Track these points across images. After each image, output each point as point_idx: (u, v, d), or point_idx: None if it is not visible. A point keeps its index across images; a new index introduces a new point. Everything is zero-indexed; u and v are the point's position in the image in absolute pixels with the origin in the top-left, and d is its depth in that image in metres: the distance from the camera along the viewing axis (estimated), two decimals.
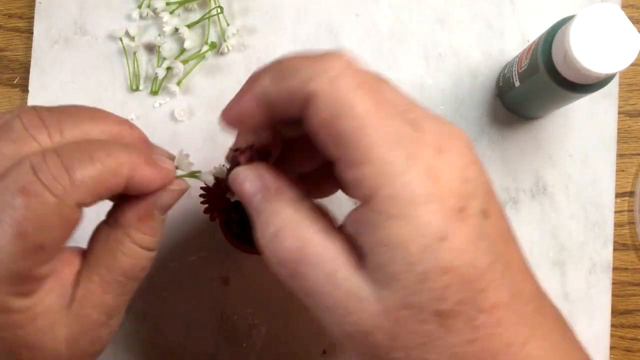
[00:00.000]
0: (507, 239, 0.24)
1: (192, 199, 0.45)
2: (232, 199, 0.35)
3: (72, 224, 0.24)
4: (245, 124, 0.26)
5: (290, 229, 0.24)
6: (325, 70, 0.22)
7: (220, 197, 0.35)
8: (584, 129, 0.45)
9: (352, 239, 0.23)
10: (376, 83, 0.23)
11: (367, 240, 0.22)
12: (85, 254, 0.27)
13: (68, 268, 0.26)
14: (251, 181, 0.26)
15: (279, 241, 0.24)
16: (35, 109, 0.25)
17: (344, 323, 0.23)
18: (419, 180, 0.21)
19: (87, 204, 0.24)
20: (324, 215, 0.25)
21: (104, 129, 0.26)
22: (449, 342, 0.22)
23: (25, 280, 0.23)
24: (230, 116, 0.26)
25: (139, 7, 0.45)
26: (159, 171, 0.27)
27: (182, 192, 0.29)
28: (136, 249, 0.27)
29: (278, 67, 0.24)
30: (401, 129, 0.22)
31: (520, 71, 0.39)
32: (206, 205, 0.36)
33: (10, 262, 0.22)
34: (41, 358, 0.25)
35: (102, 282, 0.26)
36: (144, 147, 0.28)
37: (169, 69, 0.44)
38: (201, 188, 0.36)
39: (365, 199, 0.22)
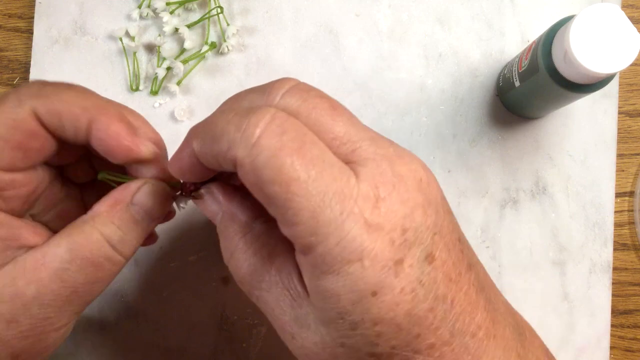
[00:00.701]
0: (456, 275, 0.23)
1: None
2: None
3: (27, 133, 0.25)
4: (190, 175, 0.26)
5: (242, 255, 0.25)
6: (245, 136, 0.22)
7: None
8: (584, 129, 0.46)
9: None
10: (303, 134, 0.22)
11: (307, 282, 0.23)
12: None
13: (29, 235, 0.26)
14: (210, 204, 0.26)
15: (234, 264, 0.25)
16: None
17: (292, 344, 0.24)
18: (352, 236, 0.21)
19: (44, 121, 0.25)
20: (277, 238, 0.25)
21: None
22: None
23: None
24: (175, 170, 0.26)
25: (139, 7, 0.45)
26: (126, 130, 0.26)
27: (167, 195, 0.28)
28: (99, 238, 0.26)
29: (205, 130, 0.24)
30: (332, 184, 0.21)
31: (520, 71, 0.40)
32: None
33: None
34: None
35: (50, 262, 0.25)
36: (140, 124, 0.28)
37: (169, 69, 0.44)
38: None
39: (302, 251, 0.22)
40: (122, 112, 0.27)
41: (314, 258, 0.22)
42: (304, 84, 0.24)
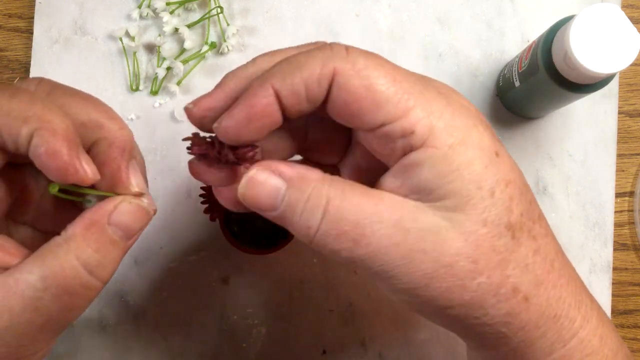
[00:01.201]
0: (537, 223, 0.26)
1: (192, 199, 0.45)
2: None
3: None
4: (255, 126, 0.23)
5: (339, 199, 0.23)
6: (337, 49, 0.23)
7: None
8: (584, 129, 0.45)
9: (404, 184, 0.24)
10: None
11: (429, 176, 0.23)
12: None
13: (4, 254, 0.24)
14: (270, 179, 0.24)
15: (333, 215, 0.23)
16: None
17: (423, 264, 0.23)
18: (462, 109, 0.24)
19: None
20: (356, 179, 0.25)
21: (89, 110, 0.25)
22: (521, 254, 0.24)
23: None
24: (240, 119, 0.23)
25: (139, 7, 0.45)
26: (67, 149, 0.23)
27: (145, 213, 0.26)
28: (74, 264, 0.23)
29: (285, 66, 0.23)
30: (428, 88, 0.24)
31: (520, 71, 0.39)
32: (206, 206, 0.36)
33: None
34: None
35: (22, 290, 0.23)
36: (125, 148, 0.26)
37: (169, 69, 0.44)
38: (201, 188, 0.36)
39: (417, 143, 0.23)
40: (69, 125, 0.24)
41: (436, 138, 0.23)
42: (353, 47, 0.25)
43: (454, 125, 0.23)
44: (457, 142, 0.23)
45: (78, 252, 0.24)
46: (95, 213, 0.24)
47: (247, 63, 0.25)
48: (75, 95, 0.26)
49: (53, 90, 0.26)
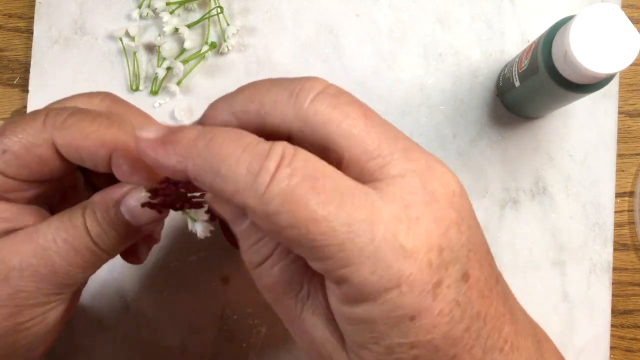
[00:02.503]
0: (488, 290, 0.23)
1: None
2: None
3: (38, 159, 0.26)
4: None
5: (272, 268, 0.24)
6: (256, 184, 0.20)
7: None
8: (584, 129, 0.45)
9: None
10: (314, 169, 0.21)
11: (336, 309, 0.22)
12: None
13: (29, 217, 0.27)
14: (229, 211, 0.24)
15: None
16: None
17: None
18: (387, 263, 0.20)
19: (62, 152, 0.26)
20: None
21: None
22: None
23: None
24: (156, 163, 0.23)
25: (139, 7, 0.45)
26: (144, 165, 0.25)
27: (154, 212, 0.27)
28: (81, 226, 0.26)
29: (206, 154, 0.22)
30: (355, 214, 0.20)
31: (520, 71, 0.39)
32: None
33: None
34: None
35: (36, 238, 0.26)
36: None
37: (169, 69, 0.44)
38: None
39: (335, 282, 0.21)
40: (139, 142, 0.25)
41: (349, 288, 0.21)
42: (334, 87, 0.23)
43: (369, 282, 0.20)
44: (368, 299, 0.21)
45: (87, 217, 0.26)
46: (113, 190, 0.27)
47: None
48: (131, 108, 0.29)
49: (113, 104, 0.29)
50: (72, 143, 0.26)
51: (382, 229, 0.20)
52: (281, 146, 0.21)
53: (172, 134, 0.22)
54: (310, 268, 0.22)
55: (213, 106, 0.25)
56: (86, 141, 0.26)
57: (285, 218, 0.20)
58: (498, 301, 0.23)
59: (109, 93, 0.29)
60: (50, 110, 0.27)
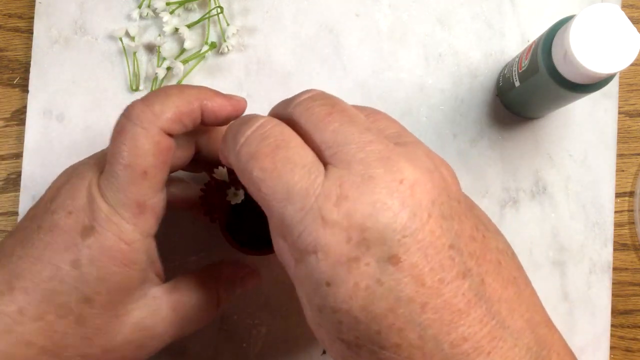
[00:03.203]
0: (434, 281, 0.23)
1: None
2: (232, 202, 0.35)
3: (163, 149, 0.29)
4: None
5: None
6: (233, 144, 0.26)
7: (221, 199, 0.35)
8: (584, 129, 0.45)
9: None
10: (281, 139, 0.25)
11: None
12: None
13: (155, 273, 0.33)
14: None
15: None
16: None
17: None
18: (308, 231, 0.23)
19: (173, 131, 0.30)
20: None
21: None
22: None
23: (138, 208, 0.29)
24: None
25: (139, 7, 0.45)
26: (228, 99, 0.32)
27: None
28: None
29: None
30: (297, 183, 0.24)
31: (520, 71, 0.39)
32: (206, 208, 0.36)
33: (128, 191, 0.29)
34: (135, 272, 0.30)
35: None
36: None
37: (169, 69, 0.45)
38: (201, 189, 0.36)
39: (282, 238, 0.25)
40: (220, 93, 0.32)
41: (287, 246, 0.25)
42: (319, 94, 0.27)
43: (297, 244, 0.24)
44: (298, 259, 0.24)
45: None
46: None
47: None
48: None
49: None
50: (176, 115, 0.30)
51: (312, 200, 0.23)
52: (262, 118, 0.26)
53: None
54: None
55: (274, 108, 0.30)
56: (182, 106, 0.30)
57: (247, 175, 0.25)
58: (456, 296, 0.23)
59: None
60: (126, 117, 0.30)
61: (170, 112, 0.29)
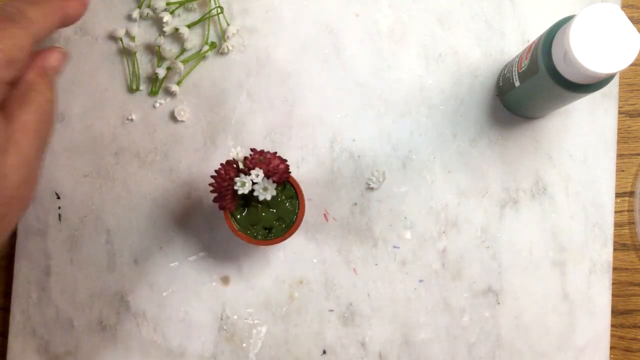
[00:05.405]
0: None
1: (191, 200, 0.45)
2: (240, 191, 0.36)
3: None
4: None
5: None
6: None
7: (229, 188, 0.36)
8: (584, 129, 0.46)
9: None
10: None
11: None
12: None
13: None
14: None
15: None
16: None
17: None
18: None
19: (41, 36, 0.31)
20: None
21: None
22: None
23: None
24: None
25: (139, 7, 0.45)
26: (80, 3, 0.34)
27: (64, 56, 0.34)
28: (39, 97, 0.32)
29: None
30: None
31: (520, 71, 0.40)
32: (215, 195, 0.38)
33: None
34: None
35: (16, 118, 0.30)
36: None
37: (169, 69, 0.45)
38: (212, 177, 0.37)
39: None
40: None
41: None
42: None
43: None
44: None
45: (40, 88, 0.32)
46: (41, 64, 0.33)
47: None
48: None
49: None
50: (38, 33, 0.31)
51: None
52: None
53: None
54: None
55: None
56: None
57: None
58: None
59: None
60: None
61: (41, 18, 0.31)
